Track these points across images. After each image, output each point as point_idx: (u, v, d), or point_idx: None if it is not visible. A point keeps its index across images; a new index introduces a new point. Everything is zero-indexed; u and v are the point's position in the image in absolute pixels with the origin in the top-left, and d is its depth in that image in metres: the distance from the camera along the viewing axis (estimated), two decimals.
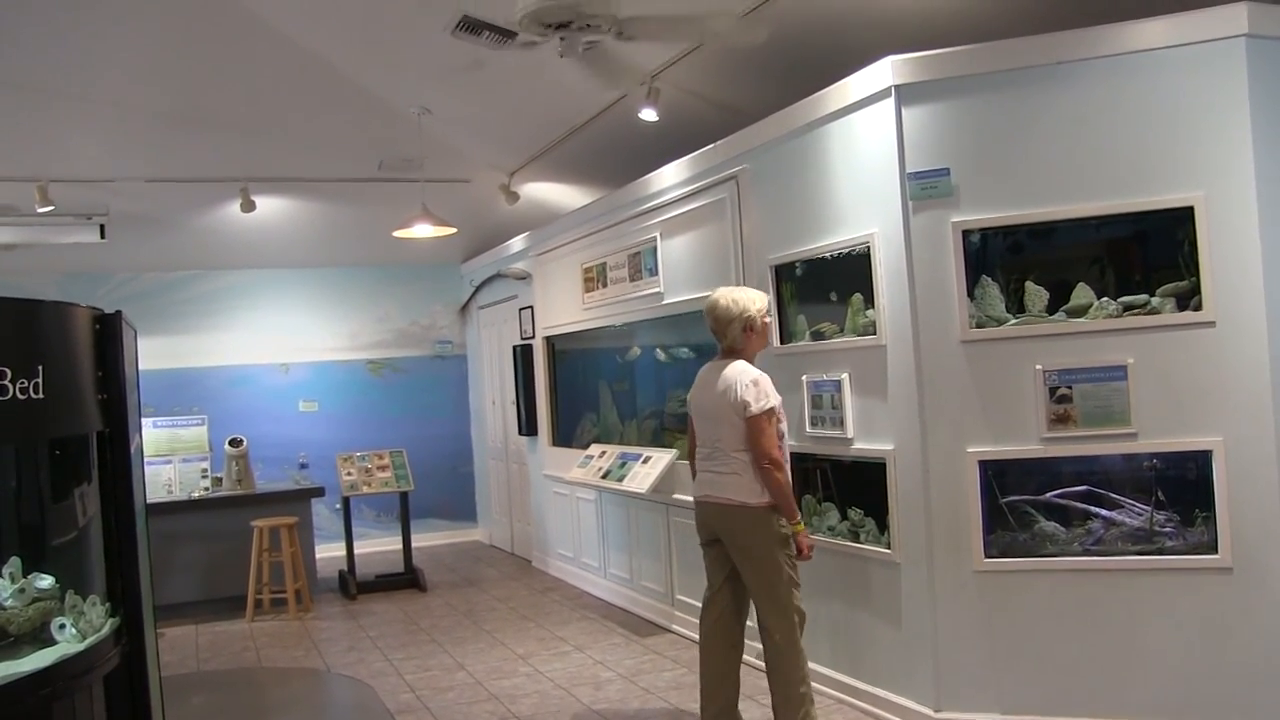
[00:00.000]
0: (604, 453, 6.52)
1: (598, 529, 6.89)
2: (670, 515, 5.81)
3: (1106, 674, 3.71)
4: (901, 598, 4.05)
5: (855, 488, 4.32)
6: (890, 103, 3.95)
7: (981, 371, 3.84)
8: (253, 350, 9.25)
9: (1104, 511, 3.73)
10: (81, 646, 2.60)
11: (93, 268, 8.61)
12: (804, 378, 4.53)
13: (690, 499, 4.12)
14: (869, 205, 4.12)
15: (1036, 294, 3.80)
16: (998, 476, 3.84)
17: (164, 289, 9.02)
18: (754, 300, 3.91)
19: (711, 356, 4.07)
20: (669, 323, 5.91)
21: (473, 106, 6.28)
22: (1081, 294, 3.75)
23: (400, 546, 7.89)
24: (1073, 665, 3.75)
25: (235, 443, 7.49)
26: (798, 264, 4.61)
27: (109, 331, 2.81)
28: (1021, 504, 3.83)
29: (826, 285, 4.46)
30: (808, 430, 4.51)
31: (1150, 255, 3.77)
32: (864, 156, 4.14)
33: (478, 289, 9.41)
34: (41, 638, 2.60)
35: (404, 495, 7.81)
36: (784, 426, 3.86)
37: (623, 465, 6.10)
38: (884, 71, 3.96)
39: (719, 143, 5.19)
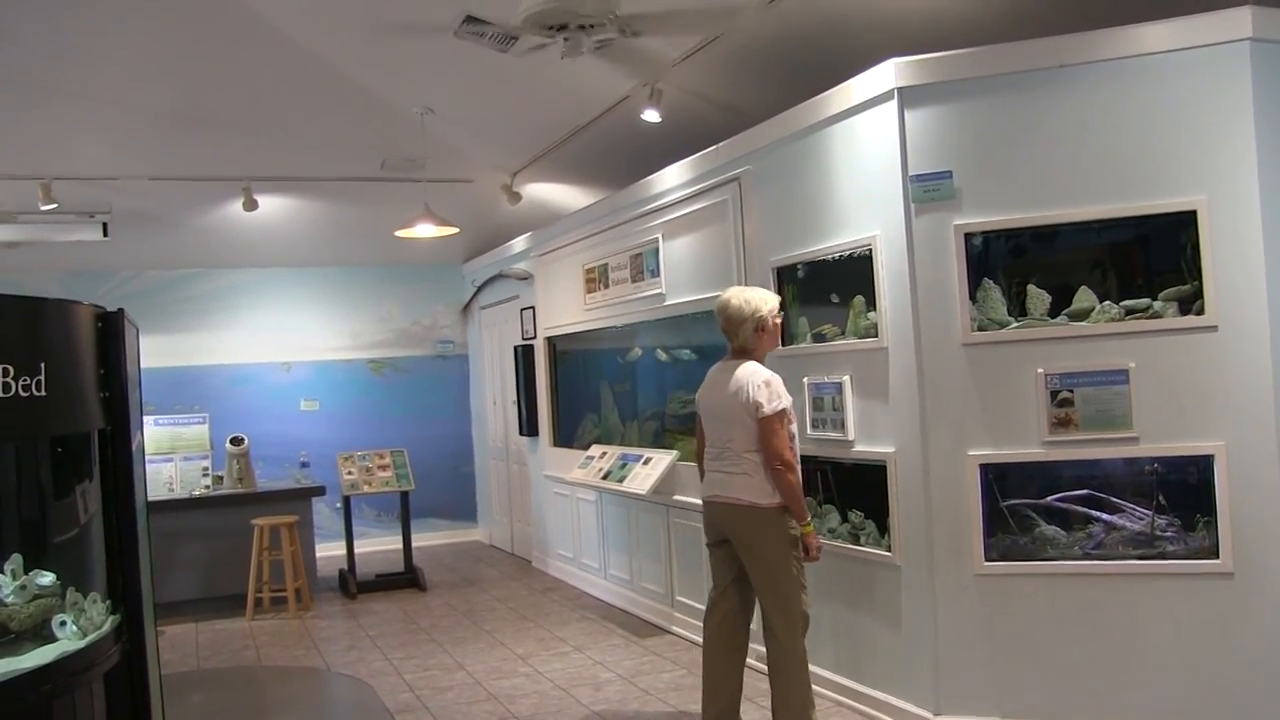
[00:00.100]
0: (605, 453, 6.52)
1: (598, 530, 6.89)
2: (671, 516, 5.81)
3: (1107, 678, 3.71)
4: (902, 600, 4.05)
5: (856, 490, 4.31)
6: (893, 105, 3.94)
7: (983, 374, 3.84)
8: (254, 349, 9.26)
9: (1105, 515, 3.72)
10: (82, 644, 2.60)
11: (95, 266, 8.62)
12: (805, 380, 4.53)
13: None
14: (871, 207, 4.12)
15: (1038, 297, 3.79)
16: (998, 480, 3.84)
17: (166, 287, 9.03)
18: (765, 300, 3.90)
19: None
20: (670, 324, 5.91)
21: (475, 107, 6.28)
22: (1083, 297, 3.74)
23: (400, 546, 7.89)
24: (1073, 669, 3.75)
25: (236, 441, 7.50)
26: (800, 266, 4.60)
27: (111, 329, 2.81)
28: (1022, 507, 3.83)
29: (828, 287, 4.46)
30: (809, 432, 4.50)
31: (1152, 259, 3.76)
32: (866, 159, 4.14)
33: (479, 289, 9.42)
34: (42, 634, 2.60)
35: (404, 495, 7.82)
36: (795, 427, 3.85)
37: (623, 466, 6.10)
38: (887, 74, 3.96)
39: (721, 144, 5.19)
